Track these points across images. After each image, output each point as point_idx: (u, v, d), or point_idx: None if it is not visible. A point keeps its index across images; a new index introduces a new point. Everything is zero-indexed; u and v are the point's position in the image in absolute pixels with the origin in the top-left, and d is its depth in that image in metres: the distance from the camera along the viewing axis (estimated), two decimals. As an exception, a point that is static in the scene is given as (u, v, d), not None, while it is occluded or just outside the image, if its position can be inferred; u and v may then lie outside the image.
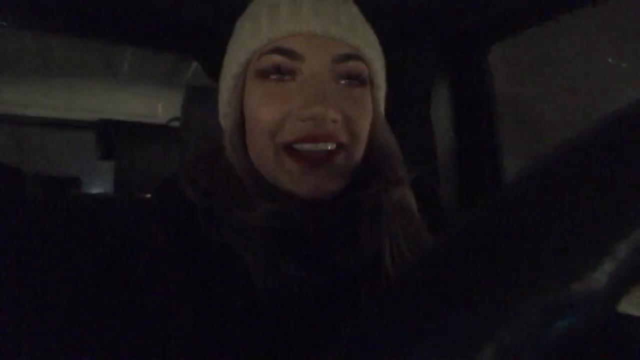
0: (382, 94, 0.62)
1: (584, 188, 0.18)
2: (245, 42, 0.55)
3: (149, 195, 0.61)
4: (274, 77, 0.53)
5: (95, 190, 2.82)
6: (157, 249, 0.51)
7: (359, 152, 0.56)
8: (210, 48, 0.79)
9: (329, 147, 0.52)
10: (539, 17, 0.96)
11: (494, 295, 0.18)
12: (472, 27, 1.07)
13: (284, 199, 0.54)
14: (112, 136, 1.82)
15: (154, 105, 2.54)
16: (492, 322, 0.17)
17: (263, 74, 0.54)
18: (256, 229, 0.52)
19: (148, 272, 0.50)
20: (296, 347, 0.48)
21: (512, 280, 0.18)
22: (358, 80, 0.55)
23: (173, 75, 2.31)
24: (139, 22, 1.07)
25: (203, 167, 0.58)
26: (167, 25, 1.08)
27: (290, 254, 0.52)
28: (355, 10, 0.58)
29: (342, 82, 0.54)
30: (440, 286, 0.20)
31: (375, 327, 0.21)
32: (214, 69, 0.71)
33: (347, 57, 0.54)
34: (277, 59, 0.53)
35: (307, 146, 0.52)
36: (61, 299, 0.46)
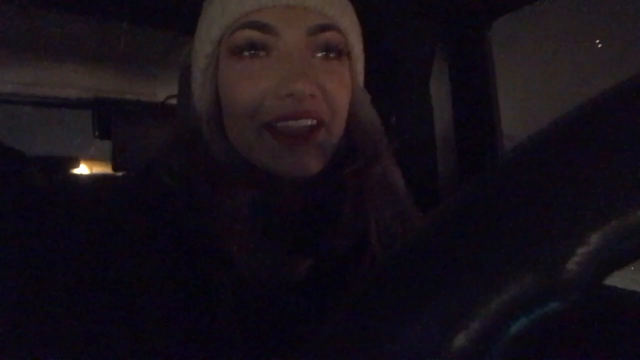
0: (360, 66, 0.59)
1: (561, 178, 0.18)
2: (216, 18, 0.52)
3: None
4: (248, 53, 0.51)
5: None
6: (136, 234, 0.50)
7: (339, 128, 0.54)
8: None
9: (310, 123, 0.51)
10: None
11: (473, 279, 0.18)
12: (472, 2, 1.06)
13: (266, 183, 0.52)
14: (109, 115, 1.81)
15: (151, 83, 2.52)
16: (470, 306, 0.18)
17: (237, 51, 0.51)
18: (239, 216, 0.51)
19: (128, 261, 0.48)
20: (285, 332, 0.48)
21: (485, 270, 0.18)
22: (335, 52, 0.53)
23: (170, 53, 2.28)
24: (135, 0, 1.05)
25: (180, 151, 0.56)
26: (163, 2, 1.06)
27: (274, 239, 0.51)
28: None
29: (319, 54, 0.52)
30: (426, 266, 0.20)
31: (362, 309, 0.21)
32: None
33: (323, 28, 0.51)
34: (250, 33, 0.50)
35: (288, 123, 0.50)
36: (36, 284, 0.45)
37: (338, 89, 0.53)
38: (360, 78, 0.59)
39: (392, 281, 0.21)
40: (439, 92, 1.14)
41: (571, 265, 0.17)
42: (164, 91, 2.44)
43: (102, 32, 2.10)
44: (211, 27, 0.53)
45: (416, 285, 0.20)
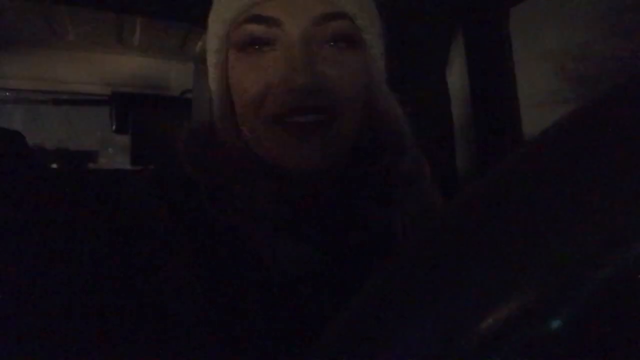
0: (377, 53, 0.56)
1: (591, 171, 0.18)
2: (221, 14, 0.52)
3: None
4: (253, 47, 0.50)
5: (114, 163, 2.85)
6: (161, 227, 0.50)
7: (353, 120, 0.52)
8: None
9: (317, 118, 0.49)
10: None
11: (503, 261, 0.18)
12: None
13: (284, 176, 0.52)
14: (127, 109, 1.83)
15: (166, 77, 2.53)
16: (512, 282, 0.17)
17: (242, 46, 0.50)
18: (261, 208, 0.50)
19: (154, 252, 0.49)
20: (307, 324, 0.48)
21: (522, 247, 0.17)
22: (345, 41, 0.50)
23: (184, 47, 2.29)
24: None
25: (198, 144, 0.56)
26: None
27: (298, 231, 0.51)
28: None
29: (328, 44, 0.50)
30: (435, 263, 0.19)
31: (369, 308, 0.21)
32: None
33: (329, 17, 0.49)
34: (253, 27, 0.49)
35: (295, 118, 0.49)
36: (65, 278, 0.46)
37: (349, 80, 0.51)
38: (378, 66, 0.57)
39: (399, 279, 0.21)
40: (457, 80, 1.12)
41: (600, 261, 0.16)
42: (179, 85, 2.45)
43: (117, 27, 2.11)
44: (218, 23, 0.53)
45: (424, 284, 0.19)
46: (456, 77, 1.12)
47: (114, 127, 1.98)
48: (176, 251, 0.49)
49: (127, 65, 2.50)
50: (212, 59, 0.55)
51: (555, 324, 0.16)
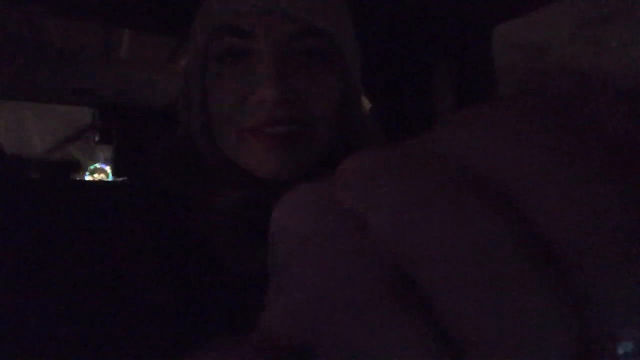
0: (353, 69, 0.57)
1: None
2: (201, 26, 0.53)
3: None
4: (229, 59, 0.51)
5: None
6: (132, 236, 0.51)
7: (324, 132, 0.54)
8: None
9: (290, 129, 0.50)
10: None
11: None
12: (473, 7, 1.05)
13: (254, 184, 0.53)
14: (111, 120, 1.82)
15: (153, 90, 2.53)
16: None
17: (219, 58, 0.52)
18: (227, 214, 0.52)
19: (123, 260, 0.49)
20: None
21: None
22: (320, 56, 0.52)
23: (172, 60, 2.29)
24: (137, 5, 1.05)
25: (175, 154, 0.57)
26: (165, 8, 1.06)
27: (262, 239, 0.52)
28: None
29: (303, 59, 0.51)
30: None
31: None
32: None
33: (304, 33, 0.51)
34: (230, 40, 0.51)
35: (268, 129, 0.50)
36: (39, 285, 0.46)
37: (322, 94, 0.52)
38: (354, 82, 0.58)
39: None
40: (442, 102, 1.14)
41: None
42: (165, 98, 2.45)
43: (104, 39, 2.11)
44: (197, 36, 0.54)
45: None
46: (441, 98, 1.14)
47: (97, 138, 1.97)
48: (143, 261, 0.50)
49: (114, 78, 2.48)
50: (192, 71, 0.56)
51: None
